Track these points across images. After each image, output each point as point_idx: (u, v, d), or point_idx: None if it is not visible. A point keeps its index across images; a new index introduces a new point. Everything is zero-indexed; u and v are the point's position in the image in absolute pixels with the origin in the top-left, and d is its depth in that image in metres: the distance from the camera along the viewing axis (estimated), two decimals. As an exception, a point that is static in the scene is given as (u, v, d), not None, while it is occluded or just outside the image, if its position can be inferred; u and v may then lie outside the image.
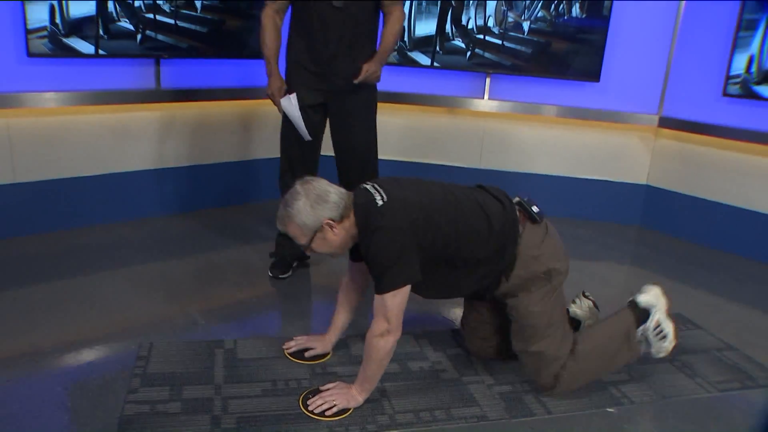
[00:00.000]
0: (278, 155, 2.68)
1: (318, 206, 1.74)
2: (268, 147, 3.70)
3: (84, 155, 3.10)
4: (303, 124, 2.52)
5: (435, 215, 1.77)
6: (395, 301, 1.69)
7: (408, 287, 1.71)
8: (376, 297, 1.71)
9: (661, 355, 1.99)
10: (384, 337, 1.70)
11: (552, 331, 1.89)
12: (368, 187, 1.81)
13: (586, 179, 3.83)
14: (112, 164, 3.21)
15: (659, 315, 1.95)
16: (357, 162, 2.63)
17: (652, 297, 1.98)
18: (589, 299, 2.19)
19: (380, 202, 1.73)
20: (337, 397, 1.77)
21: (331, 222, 1.75)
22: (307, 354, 2.06)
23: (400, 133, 3.86)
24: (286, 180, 2.58)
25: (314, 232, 1.76)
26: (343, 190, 1.82)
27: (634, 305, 1.99)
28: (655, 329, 1.94)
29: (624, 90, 3.64)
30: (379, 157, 2.73)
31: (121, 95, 3.06)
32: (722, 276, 3.11)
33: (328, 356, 2.08)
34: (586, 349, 1.92)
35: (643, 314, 1.96)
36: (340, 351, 2.10)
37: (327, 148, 2.67)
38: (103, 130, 3.13)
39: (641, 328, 1.95)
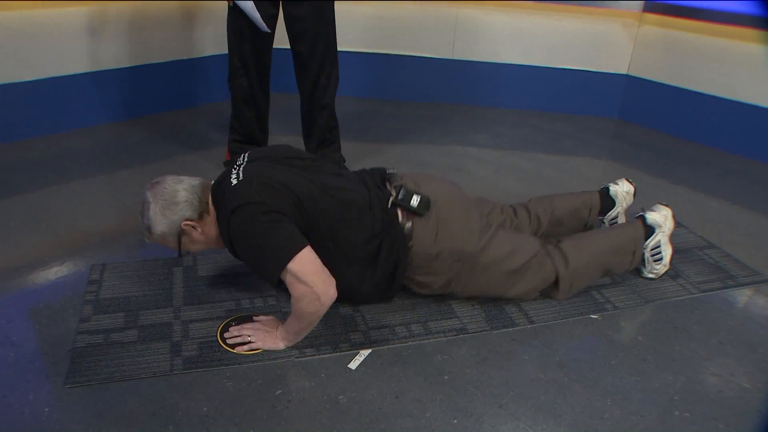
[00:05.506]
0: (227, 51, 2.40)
1: (168, 211, 1.55)
2: (217, 42, 3.40)
3: (12, 59, 2.76)
4: (258, 14, 2.22)
5: (304, 202, 1.53)
6: (299, 267, 1.42)
7: (306, 249, 1.45)
8: (282, 280, 1.46)
9: (651, 276, 2.00)
10: (313, 303, 1.45)
11: (513, 281, 1.76)
12: (233, 169, 1.58)
13: (564, 69, 3.66)
14: (44, 68, 2.89)
15: (661, 237, 1.96)
16: (315, 58, 2.38)
17: (660, 217, 1.96)
18: (632, 185, 2.14)
19: (234, 182, 1.52)
20: (257, 335, 1.60)
21: (189, 222, 1.56)
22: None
23: (365, 22, 3.59)
24: (239, 81, 2.37)
25: (177, 237, 1.58)
26: (196, 181, 1.60)
27: (642, 220, 1.97)
28: (653, 249, 1.96)
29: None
30: (342, 48, 2.50)
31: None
32: (703, 171, 3.01)
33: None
34: (583, 262, 1.82)
35: (648, 231, 1.95)
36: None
37: (280, 41, 2.41)
38: (33, 29, 2.79)
39: (643, 244, 1.95)
